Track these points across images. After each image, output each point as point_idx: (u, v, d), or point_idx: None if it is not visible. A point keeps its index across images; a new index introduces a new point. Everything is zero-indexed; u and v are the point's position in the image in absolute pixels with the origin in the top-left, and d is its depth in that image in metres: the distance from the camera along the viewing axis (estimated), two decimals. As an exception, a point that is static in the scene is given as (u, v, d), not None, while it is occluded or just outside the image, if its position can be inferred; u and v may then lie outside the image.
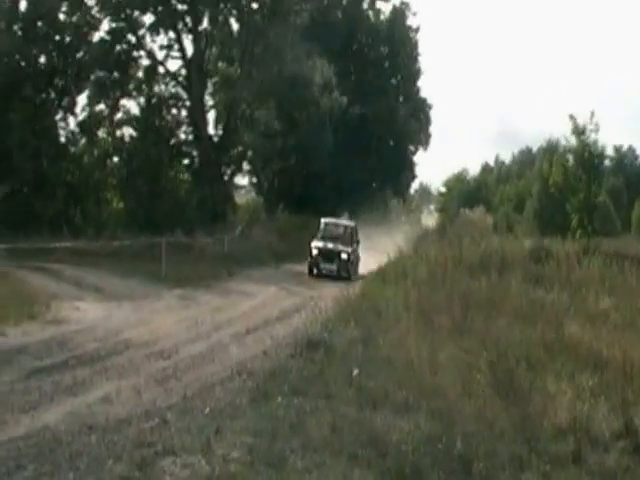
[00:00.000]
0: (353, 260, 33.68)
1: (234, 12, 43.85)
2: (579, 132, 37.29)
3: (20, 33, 39.84)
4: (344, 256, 33.11)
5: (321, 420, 10.27)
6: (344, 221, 37.59)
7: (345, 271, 32.91)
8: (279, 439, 9.49)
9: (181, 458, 8.88)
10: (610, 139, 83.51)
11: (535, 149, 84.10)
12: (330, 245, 33.43)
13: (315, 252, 33.25)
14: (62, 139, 42.08)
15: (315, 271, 33.25)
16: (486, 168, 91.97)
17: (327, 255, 33.17)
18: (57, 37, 40.54)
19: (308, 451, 9.18)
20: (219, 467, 8.58)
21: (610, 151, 55.55)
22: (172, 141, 43.66)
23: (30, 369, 13.37)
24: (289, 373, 12.90)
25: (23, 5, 39.95)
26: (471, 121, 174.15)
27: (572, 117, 37.25)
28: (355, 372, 12.52)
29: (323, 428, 9.92)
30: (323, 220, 35.97)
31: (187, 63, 43.17)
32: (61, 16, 40.97)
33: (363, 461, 9.04)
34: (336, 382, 12.19)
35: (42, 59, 40.62)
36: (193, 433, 9.79)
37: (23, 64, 39.47)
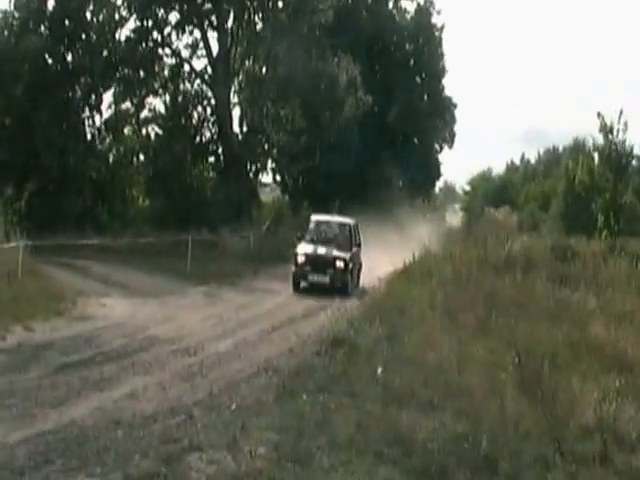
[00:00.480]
0: (352, 268, 26.71)
1: (259, 10, 43.90)
2: (607, 131, 36.82)
3: (47, 32, 40.08)
4: (340, 264, 25.99)
5: (346, 418, 10.30)
6: (340, 218, 30.06)
7: (341, 282, 25.99)
8: (305, 436, 9.53)
9: (207, 454, 8.94)
10: (639, 138, 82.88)
11: (561, 148, 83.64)
12: (321, 250, 26.49)
13: (301, 259, 26.11)
14: (88, 137, 42.29)
15: (302, 284, 26.33)
16: (511, 167, 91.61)
17: (317, 263, 26.09)
18: (83, 36, 40.73)
19: (334, 449, 9.21)
20: (245, 463, 8.63)
21: (638, 150, 55.14)
22: (197, 139, 43.73)
23: (57, 365, 13.52)
24: (314, 371, 12.95)
25: (50, 4, 40.22)
26: (496, 120, 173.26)
27: (600, 115, 36.77)
28: (380, 370, 12.54)
29: (348, 426, 9.95)
30: (314, 218, 29.21)
31: (212, 61, 43.21)
32: (88, 15, 41.17)
33: (389, 459, 9.07)
34: (361, 380, 12.23)
35: (69, 58, 40.81)
36: (219, 429, 9.85)
37: (50, 63, 39.65)
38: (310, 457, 8.88)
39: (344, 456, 9.02)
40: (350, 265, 26.38)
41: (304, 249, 26.56)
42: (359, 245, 28.46)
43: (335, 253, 26.36)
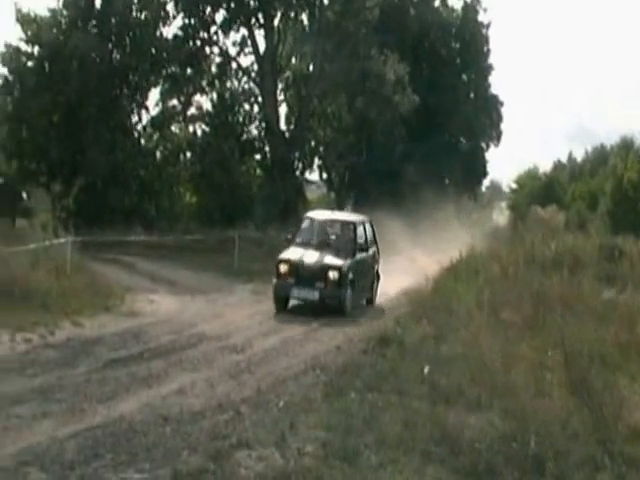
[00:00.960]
0: (354, 280, 20.85)
1: (306, 8, 44.01)
2: (655, 129, 36.37)
3: (95, 30, 40.47)
4: (333, 275, 20.14)
5: (394, 416, 10.29)
6: (343, 215, 25.36)
7: (334, 298, 20.15)
8: (353, 434, 9.53)
9: (256, 451, 8.95)
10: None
11: (609, 146, 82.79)
12: (310, 257, 20.69)
13: (283, 269, 20.33)
14: (135, 134, 42.66)
15: (285, 300, 20.63)
16: (558, 165, 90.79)
17: (303, 274, 20.23)
18: (131, 34, 41.08)
19: (381, 447, 9.19)
20: (294, 461, 8.65)
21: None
22: (244, 136, 44.00)
23: (106, 360, 13.65)
24: (362, 369, 12.94)
25: (98, 2, 40.59)
26: (543, 117, 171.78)
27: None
28: (427, 369, 12.53)
29: (396, 424, 9.94)
30: (309, 215, 23.73)
31: (259, 59, 43.41)
32: (134, 13, 41.51)
33: (436, 458, 9.04)
34: (408, 378, 12.21)
35: (116, 55, 41.16)
36: (267, 426, 9.88)
37: (98, 60, 40.02)
38: (358, 455, 8.88)
39: (392, 454, 9.00)
40: (350, 276, 20.55)
41: (289, 255, 20.77)
42: (370, 249, 22.73)
43: (328, 261, 20.48)
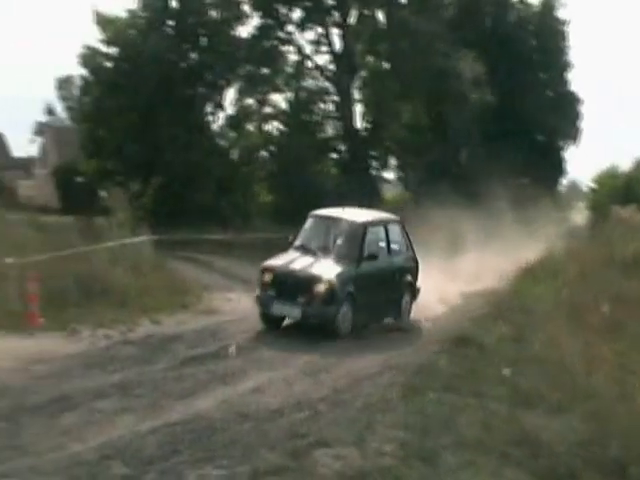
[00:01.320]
0: (358, 294, 16.74)
1: (382, 6, 43.90)
2: None
3: (171, 30, 40.89)
4: (319, 288, 16.20)
5: (472, 417, 10.23)
6: (356, 214, 19.17)
7: (320, 317, 16.27)
8: (430, 435, 9.50)
9: (334, 450, 8.97)
10: None
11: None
12: (299, 264, 16.81)
13: (267, 278, 16.74)
14: (211, 134, 42.95)
15: (272, 316, 16.84)
16: (639, 164, 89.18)
17: (285, 285, 16.52)
18: (207, 33, 41.39)
19: (459, 448, 9.15)
20: (372, 460, 8.65)
21: None
22: (320, 135, 44.00)
23: (184, 357, 13.80)
24: (439, 369, 12.87)
25: (174, 3, 41.03)
26: (624, 115, 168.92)
27: None
28: (506, 371, 12.41)
29: (474, 426, 9.88)
30: (314, 213, 18.78)
31: (335, 58, 43.42)
32: (211, 12, 41.83)
33: (514, 460, 8.99)
34: (486, 380, 12.11)
35: (192, 55, 41.51)
36: (345, 426, 9.89)
37: (174, 60, 40.38)
38: (436, 456, 8.86)
39: (470, 456, 8.96)
40: (349, 289, 16.59)
41: (274, 261, 17.16)
42: (396, 256, 18.83)
43: (317, 270, 16.61)
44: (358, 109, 45.07)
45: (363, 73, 45.57)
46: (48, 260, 18.09)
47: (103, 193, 39.20)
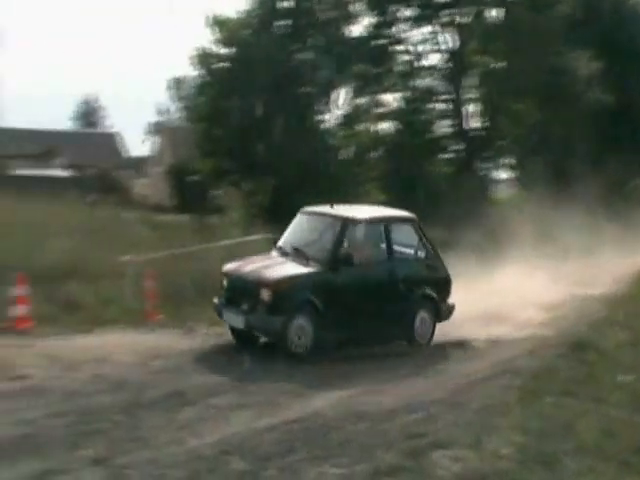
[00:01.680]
0: (331, 305, 14.08)
1: (496, 4, 43.48)
2: None
3: (283, 30, 41.24)
4: (265, 294, 13.78)
5: (591, 423, 10.00)
6: (347, 209, 16.50)
7: (264, 330, 14.23)
8: (549, 439, 9.34)
9: (451, 451, 8.90)
10: None
11: None
12: (251, 266, 14.84)
13: (224, 283, 14.95)
14: (322, 133, 43.11)
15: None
16: None
17: (234, 290, 14.62)
18: (318, 32, 41.58)
19: (578, 453, 8.98)
20: (490, 463, 8.56)
21: None
22: (432, 135, 43.80)
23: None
24: (557, 373, 12.63)
25: (284, 2, 41.43)
26: None
27: None
28: (626, 376, 12.13)
29: (593, 431, 9.68)
30: (302, 210, 16.59)
31: (448, 56, 43.20)
32: (321, 12, 42.01)
33: (635, 469, 8.78)
34: (605, 385, 11.85)
35: (303, 55, 41.75)
36: (461, 428, 9.81)
37: (285, 60, 40.68)
38: (555, 460, 8.70)
39: (589, 462, 8.79)
40: (307, 297, 14.03)
41: (233, 264, 15.34)
42: (405, 262, 15.85)
43: (269, 272, 14.34)
44: (471, 108, 44.73)
45: (476, 71, 45.13)
46: (164, 258, 18.46)
47: (217, 192, 39.72)
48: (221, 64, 41.01)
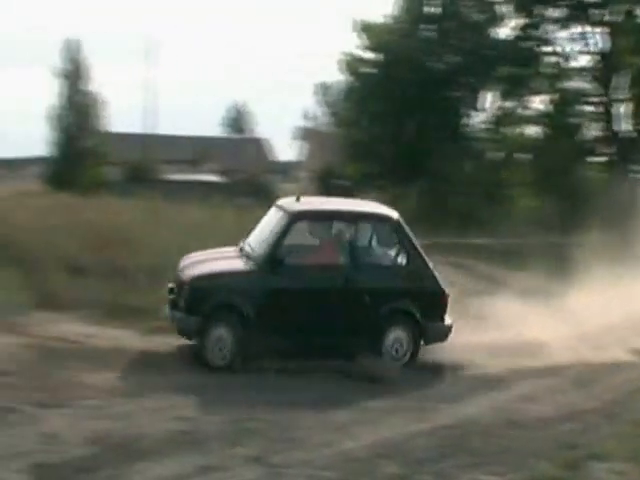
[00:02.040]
0: (248, 310, 12.20)
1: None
2: None
3: (429, 34, 41.19)
4: (185, 291, 12.45)
5: None
6: (308, 202, 14.32)
7: (182, 328, 12.56)
8: None
9: (609, 464, 8.73)
10: None
11: None
12: (190, 264, 13.27)
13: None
14: (469, 136, 42.85)
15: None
16: None
17: (176, 283, 13.04)
18: (465, 35, 41.34)
19: None
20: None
21: None
22: (583, 138, 42.89)
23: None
24: None
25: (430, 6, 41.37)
26: None
27: None
28: None
29: None
30: (275, 203, 14.37)
31: (598, 57, 42.26)
32: (468, 15, 41.78)
33: None
34: None
35: (448, 58, 41.59)
36: (618, 439, 9.59)
37: (430, 63, 40.62)
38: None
39: None
40: (229, 300, 12.41)
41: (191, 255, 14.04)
42: (377, 267, 13.37)
43: (196, 270, 12.89)
44: (622, 110, 43.58)
45: (628, 72, 43.95)
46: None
47: (364, 196, 39.98)
48: (369, 69, 41.24)
